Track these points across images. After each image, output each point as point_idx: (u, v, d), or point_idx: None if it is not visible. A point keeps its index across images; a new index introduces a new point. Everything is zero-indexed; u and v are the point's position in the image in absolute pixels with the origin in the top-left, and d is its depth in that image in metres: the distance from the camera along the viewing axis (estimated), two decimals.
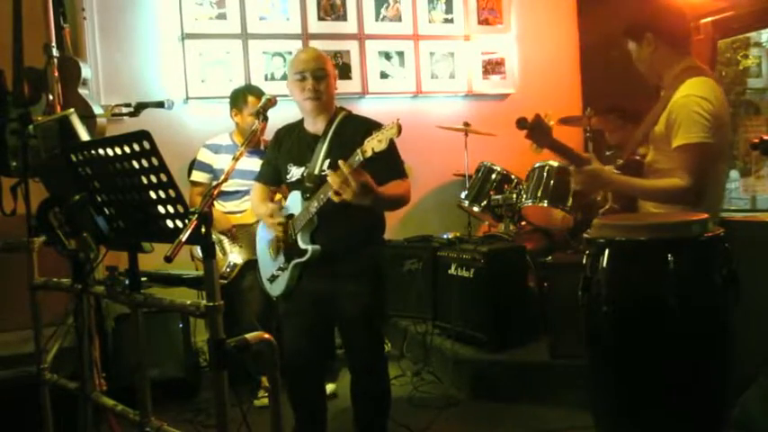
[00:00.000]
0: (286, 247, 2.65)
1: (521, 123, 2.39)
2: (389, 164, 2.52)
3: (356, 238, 2.57)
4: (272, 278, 2.73)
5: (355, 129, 2.55)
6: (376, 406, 2.72)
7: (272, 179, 2.82)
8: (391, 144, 2.26)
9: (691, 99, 2.32)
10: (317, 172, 2.57)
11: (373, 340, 2.70)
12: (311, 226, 2.56)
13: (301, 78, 2.58)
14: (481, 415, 3.43)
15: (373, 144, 2.23)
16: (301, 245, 2.58)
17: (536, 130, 2.38)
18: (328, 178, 2.29)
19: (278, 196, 3.03)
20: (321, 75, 2.59)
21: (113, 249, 2.15)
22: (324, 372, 2.90)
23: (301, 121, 2.74)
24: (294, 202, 2.64)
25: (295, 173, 2.65)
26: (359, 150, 2.26)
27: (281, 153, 2.74)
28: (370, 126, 2.52)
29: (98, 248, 2.13)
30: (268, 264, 2.76)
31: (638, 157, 2.58)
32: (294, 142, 2.70)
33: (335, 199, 2.30)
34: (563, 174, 3.95)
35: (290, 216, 2.64)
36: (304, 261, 2.57)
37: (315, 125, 2.66)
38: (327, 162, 2.55)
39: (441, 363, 3.89)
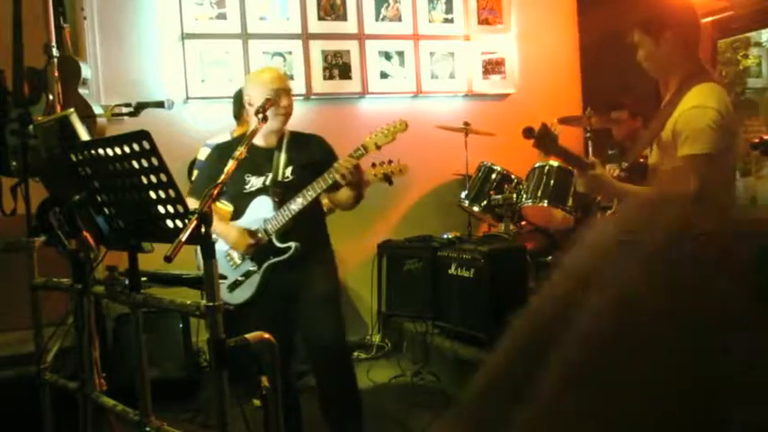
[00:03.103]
0: (256, 250, 2.72)
1: (527, 133, 2.38)
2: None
3: (316, 232, 2.81)
4: (234, 285, 2.77)
5: (307, 141, 2.86)
6: (347, 407, 2.75)
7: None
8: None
9: (699, 111, 2.30)
10: (280, 178, 2.74)
11: (336, 326, 2.76)
12: (287, 226, 2.70)
13: (276, 95, 2.69)
14: None
15: (377, 139, 2.58)
16: (279, 244, 2.71)
17: (544, 140, 2.38)
18: (340, 163, 2.63)
19: (225, 210, 3.02)
20: (289, 93, 2.78)
21: (113, 249, 2.15)
22: (291, 367, 2.93)
23: (240, 139, 2.78)
24: (261, 207, 2.74)
25: (255, 182, 2.77)
26: (361, 146, 2.64)
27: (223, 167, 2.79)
28: (318, 139, 2.88)
29: (98, 248, 2.13)
30: (227, 272, 2.78)
31: (642, 160, 2.58)
32: (245, 156, 2.74)
33: (342, 182, 2.64)
34: (563, 174, 3.95)
35: (259, 221, 2.73)
36: (284, 259, 2.70)
37: (267, 140, 2.81)
38: (290, 168, 2.76)
39: (440, 362, 3.89)
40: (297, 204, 2.67)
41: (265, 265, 2.72)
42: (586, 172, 2.40)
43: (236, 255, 2.78)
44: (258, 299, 2.76)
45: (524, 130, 2.38)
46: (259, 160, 2.78)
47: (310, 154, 2.78)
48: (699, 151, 2.28)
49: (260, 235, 2.71)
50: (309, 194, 2.67)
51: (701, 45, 2.49)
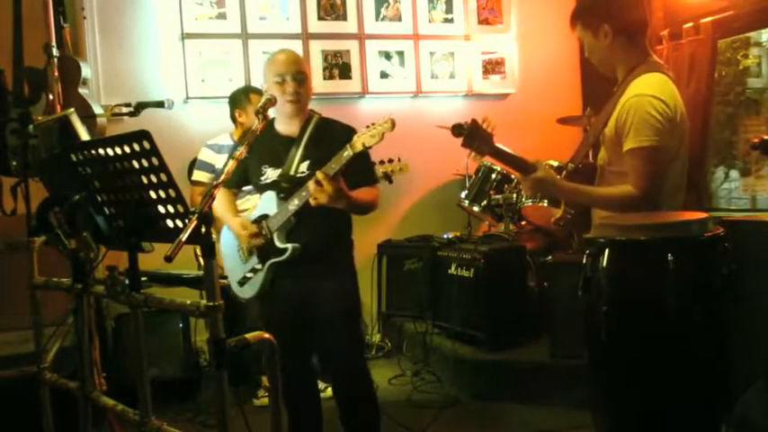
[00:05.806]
0: (260, 247, 2.66)
1: (456, 129, 2.21)
2: (363, 170, 2.59)
3: (329, 237, 2.62)
4: (244, 281, 2.72)
5: (333, 132, 2.61)
6: (364, 411, 2.70)
7: (239, 182, 2.81)
8: (365, 152, 2.38)
9: (643, 99, 2.17)
10: (292, 173, 2.59)
11: (353, 340, 2.71)
12: (288, 225, 2.57)
13: (281, 81, 2.58)
14: (481, 415, 3.43)
15: (364, 139, 2.31)
16: (279, 244, 2.59)
17: (473, 138, 2.21)
18: (308, 184, 2.39)
19: (250, 207, 2.99)
20: (301, 78, 2.59)
21: (113, 249, 2.15)
22: (313, 371, 2.89)
23: (271, 123, 2.73)
24: (268, 203, 2.64)
25: (270, 174, 2.65)
26: (348, 146, 2.34)
27: (251, 155, 2.67)
28: (350, 131, 2.55)
29: (98, 248, 2.13)
30: (237, 267, 2.75)
31: (591, 161, 2.46)
32: (266, 144, 2.67)
33: (312, 202, 2.41)
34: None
35: (264, 216, 2.65)
36: (283, 260, 2.58)
37: (289, 127, 2.67)
38: (306, 164, 2.58)
39: (440, 362, 3.89)
40: (293, 206, 2.52)
41: (267, 264, 2.63)
42: (529, 175, 2.28)
43: (245, 249, 2.71)
44: (263, 298, 2.69)
45: (453, 126, 2.21)
46: (278, 150, 2.66)
47: (330, 148, 2.45)
48: (643, 144, 2.16)
49: (263, 231, 2.61)
50: (295, 203, 2.51)
51: (700, 45, 2.44)
